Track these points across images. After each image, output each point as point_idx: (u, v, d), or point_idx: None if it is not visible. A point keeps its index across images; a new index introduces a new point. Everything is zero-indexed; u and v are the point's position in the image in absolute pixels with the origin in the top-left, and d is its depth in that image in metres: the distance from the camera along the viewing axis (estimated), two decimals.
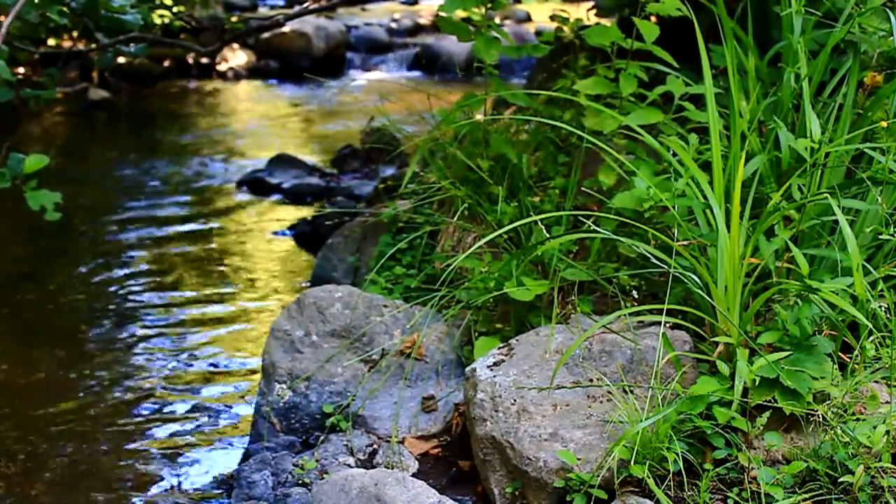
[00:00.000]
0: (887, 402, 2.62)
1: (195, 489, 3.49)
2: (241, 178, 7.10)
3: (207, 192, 6.94)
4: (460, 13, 4.00)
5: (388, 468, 3.08)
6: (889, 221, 2.93)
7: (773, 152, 3.17)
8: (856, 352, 2.71)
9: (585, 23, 4.52)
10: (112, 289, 5.27)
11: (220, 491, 3.45)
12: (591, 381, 2.88)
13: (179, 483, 3.54)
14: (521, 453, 2.74)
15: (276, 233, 6.12)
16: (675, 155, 3.15)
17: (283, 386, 3.43)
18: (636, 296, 3.15)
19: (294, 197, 6.75)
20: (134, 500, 3.45)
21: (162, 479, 3.57)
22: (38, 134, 8.31)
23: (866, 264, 2.78)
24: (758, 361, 2.63)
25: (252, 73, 10.82)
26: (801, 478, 2.56)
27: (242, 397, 4.16)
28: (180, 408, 4.08)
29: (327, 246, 4.79)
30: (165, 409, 4.07)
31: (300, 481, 3.12)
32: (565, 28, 4.56)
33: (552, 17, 4.52)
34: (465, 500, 2.96)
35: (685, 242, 2.94)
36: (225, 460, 3.68)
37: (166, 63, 10.41)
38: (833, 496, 2.49)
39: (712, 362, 2.75)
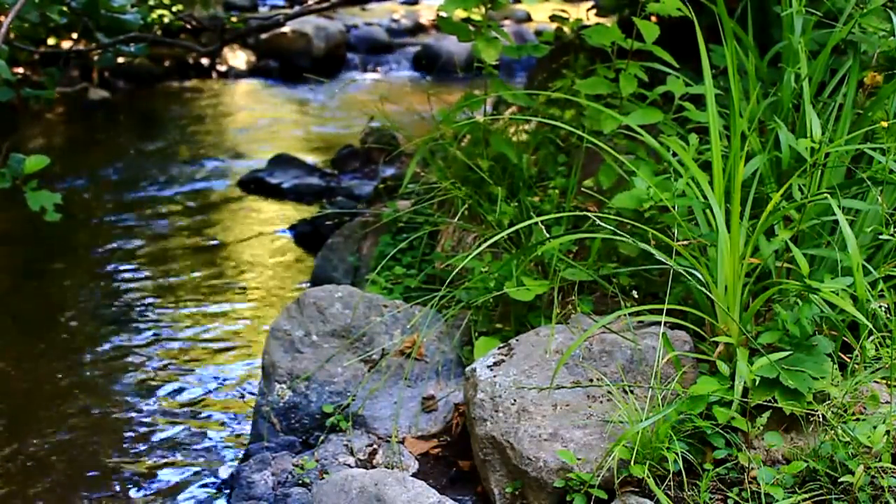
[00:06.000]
0: (887, 402, 2.62)
1: (195, 489, 3.49)
2: (241, 178, 7.09)
3: (207, 192, 6.94)
4: (460, 13, 4.00)
5: (388, 468, 3.08)
6: (889, 221, 2.93)
7: (773, 152, 3.17)
8: (856, 352, 2.70)
9: (585, 23, 4.52)
10: (111, 288, 5.27)
11: (220, 491, 3.45)
12: (591, 381, 2.88)
13: (179, 483, 3.54)
14: (521, 453, 2.74)
15: (276, 233, 6.12)
16: (675, 155, 3.15)
17: (283, 386, 3.43)
18: (636, 296, 3.15)
19: (294, 197, 6.75)
20: (134, 499, 3.45)
21: (162, 478, 3.57)
22: (38, 134, 8.30)
23: (866, 264, 2.78)
24: (758, 361, 2.63)
25: (252, 73, 10.80)
26: (801, 478, 2.56)
27: (242, 397, 4.15)
28: (180, 407, 4.08)
29: (327, 246, 4.79)
30: (165, 409, 4.07)
31: (300, 481, 3.12)
32: (565, 28, 4.56)
33: (552, 17, 4.52)
34: (465, 500, 2.96)
35: (685, 242, 2.94)
36: (225, 460, 3.68)
37: (166, 63, 10.39)
38: (833, 496, 2.49)
39: (712, 362, 2.75)
